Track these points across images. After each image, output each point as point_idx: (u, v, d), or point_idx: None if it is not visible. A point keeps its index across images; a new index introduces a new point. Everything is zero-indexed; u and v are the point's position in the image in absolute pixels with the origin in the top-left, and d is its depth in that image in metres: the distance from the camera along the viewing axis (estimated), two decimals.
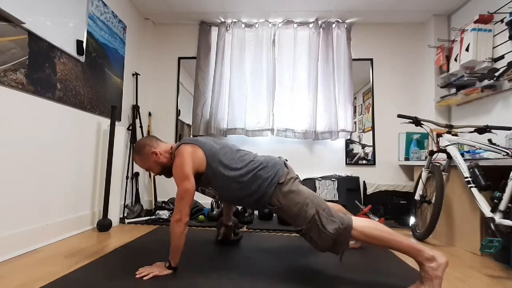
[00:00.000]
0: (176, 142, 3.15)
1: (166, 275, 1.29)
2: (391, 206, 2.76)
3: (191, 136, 3.14)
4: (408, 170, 3.03)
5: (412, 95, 3.10)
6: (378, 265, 1.52)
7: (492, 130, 1.92)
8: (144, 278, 1.25)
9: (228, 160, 1.40)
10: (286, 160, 1.49)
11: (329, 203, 1.73)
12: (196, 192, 1.37)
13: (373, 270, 1.43)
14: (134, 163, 2.79)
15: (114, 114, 2.28)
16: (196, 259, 1.54)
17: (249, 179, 1.36)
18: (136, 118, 2.87)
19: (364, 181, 2.96)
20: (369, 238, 1.20)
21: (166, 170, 1.50)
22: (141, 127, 2.90)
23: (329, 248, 1.24)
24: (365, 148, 3.09)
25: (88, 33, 2.14)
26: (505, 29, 2.17)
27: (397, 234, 1.21)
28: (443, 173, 2.07)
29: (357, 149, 3.10)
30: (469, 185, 1.76)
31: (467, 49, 2.39)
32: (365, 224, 1.23)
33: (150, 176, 3.05)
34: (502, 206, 1.55)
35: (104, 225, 2.14)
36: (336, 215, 1.26)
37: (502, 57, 2.22)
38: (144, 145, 1.48)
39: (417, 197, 2.25)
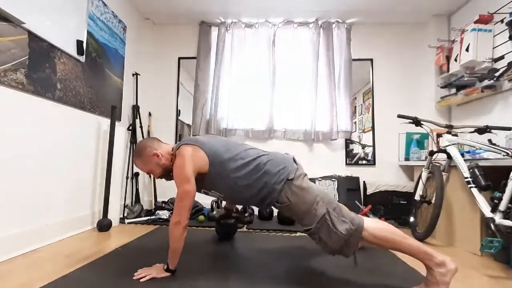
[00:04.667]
0: (176, 142, 3.16)
1: (164, 277, 1.27)
2: (391, 206, 2.76)
3: (191, 136, 3.14)
4: (408, 170, 3.03)
5: (412, 95, 3.10)
6: (379, 265, 1.52)
7: (492, 130, 1.92)
8: (141, 280, 1.23)
9: (232, 156, 1.33)
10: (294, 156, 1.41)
11: None
12: (197, 192, 1.34)
13: (374, 271, 1.43)
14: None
15: (114, 114, 2.28)
16: (196, 259, 1.54)
17: (256, 175, 1.29)
18: (136, 118, 2.87)
19: (364, 181, 2.96)
20: (379, 241, 1.15)
21: (168, 172, 1.44)
22: (141, 127, 2.90)
23: (338, 250, 1.19)
24: (365, 148, 3.09)
25: (88, 33, 2.14)
26: (505, 29, 2.17)
27: (407, 236, 1.16)
28: (443, 173, 2.07)
29: (357, 149, 3.10)
30: (469, 185, 1.76)
31: (467, 49, 2.39)
32: (376, 226, 1.18)
33: (150, 176, 3.05)
34: (502, 206, 1.55)
35: (104, 225, 2.14)
36: (346, 214, 1.20)
37: (502, 57, 2.22)
38: (145, 147, 1.43)
39: (417, 197, 2.24)
